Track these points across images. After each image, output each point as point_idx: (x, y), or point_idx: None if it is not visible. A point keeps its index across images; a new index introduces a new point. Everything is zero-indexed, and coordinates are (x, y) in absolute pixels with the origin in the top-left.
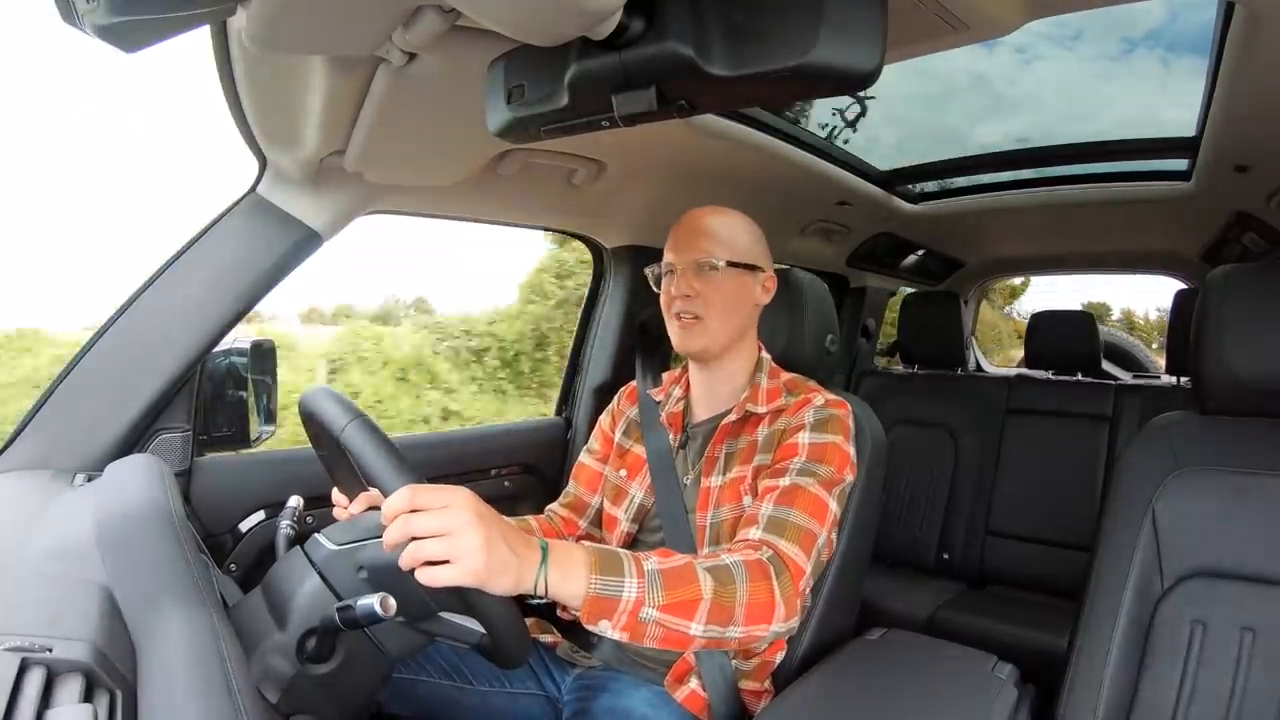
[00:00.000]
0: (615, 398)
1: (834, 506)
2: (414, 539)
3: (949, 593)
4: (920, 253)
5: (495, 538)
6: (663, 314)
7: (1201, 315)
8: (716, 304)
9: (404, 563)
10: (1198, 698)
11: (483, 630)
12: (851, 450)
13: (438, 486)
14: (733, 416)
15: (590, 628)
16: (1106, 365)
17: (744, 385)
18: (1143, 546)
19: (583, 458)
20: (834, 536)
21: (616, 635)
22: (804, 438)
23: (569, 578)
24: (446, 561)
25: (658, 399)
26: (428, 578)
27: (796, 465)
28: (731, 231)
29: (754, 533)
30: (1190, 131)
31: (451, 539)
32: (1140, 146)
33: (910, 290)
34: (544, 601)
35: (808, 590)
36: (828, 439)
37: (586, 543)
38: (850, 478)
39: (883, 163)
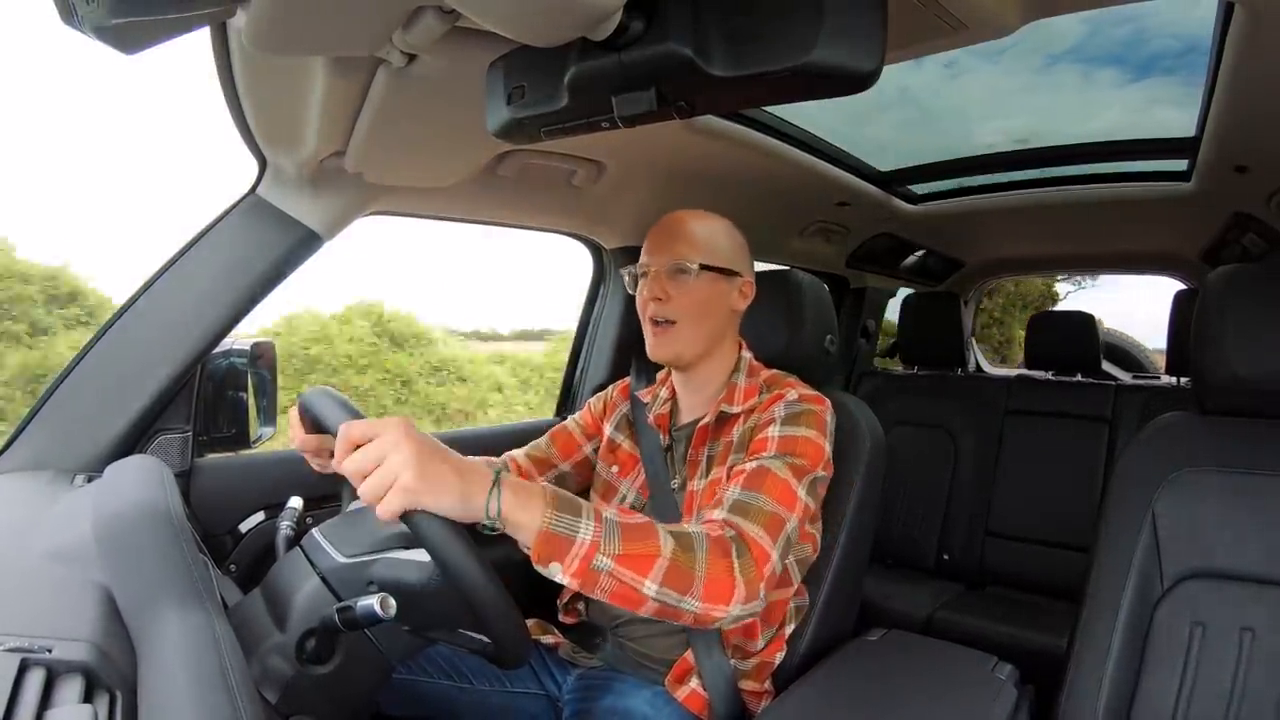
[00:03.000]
0: (610, 388)
1: (803, 494)
2: (364, 478)
3: (948, 593)
4: (920, 253)
5: (427, 454)
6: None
7: (1201, 315)
8: (689, 309)
9: (364, 501)
10: (1197, 698)
11: (485, 639)
12: (826, 446)
13: (369, 420)
14: (708, 419)
15: (539, 569)
16: (1106, 366)
17: (722, 387)
18: (1142, 547)
19: (567, 423)
20: (811, 530)
21: (566, 580)
22: (774, 431)
23: (524, 506)
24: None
25: (645, 400)
26: (381, 510)
27: (766, 455)
28: (708, 235)
29: (718, 514)
30: (1190, 132)
31: (383, 465)
32: (1140, 147)
33: (910, 292)
34: (496, 532)
35: (775, 576)
36: (799, 432)
37: (544, 483)
38: (824, 472)
39: (882, 163)
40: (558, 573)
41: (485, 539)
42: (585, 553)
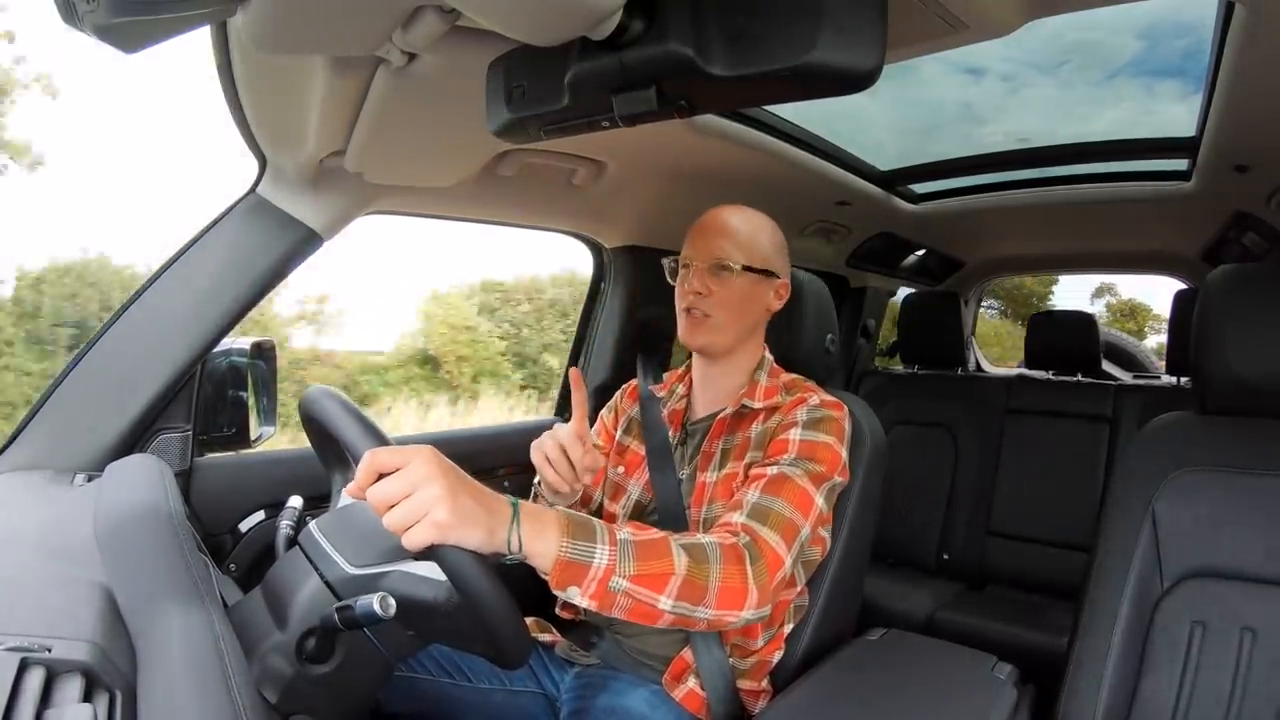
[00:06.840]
0: (617, 394)
1: (820, 502)
2: (390, 507)
3: (949, 593)
4: (920, 253)
5: (457, 489)
6: (672, 311)
7: (1201, 315)
8: (727, 305)
9: (390, 529)
10: (1197, 698)
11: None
12: (844, 453)
13: (397, 448)
14: (728, 411)
15: (558, 593)
16: (1106, 365)
17: (744, 383)
18: (1142, 547)
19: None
20: (824, 534)
21: (584, 603)
22: (795, 434)
23: (541, 535)
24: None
25: (660, 395)
26: (408, 542)
27: (786, 460)
28: (752, 234)
29: (736, 517)
30: (1190, 131)
31: (414, 497)
32: (1140, 146)
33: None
34: (516, 560)
35: (785, 580)
36: (819, 438)
37: (559, 508)
38: (840, 480)
39: (883, 163)
40: (575, 595)
41: (504, 565)
42: (601, 576)
